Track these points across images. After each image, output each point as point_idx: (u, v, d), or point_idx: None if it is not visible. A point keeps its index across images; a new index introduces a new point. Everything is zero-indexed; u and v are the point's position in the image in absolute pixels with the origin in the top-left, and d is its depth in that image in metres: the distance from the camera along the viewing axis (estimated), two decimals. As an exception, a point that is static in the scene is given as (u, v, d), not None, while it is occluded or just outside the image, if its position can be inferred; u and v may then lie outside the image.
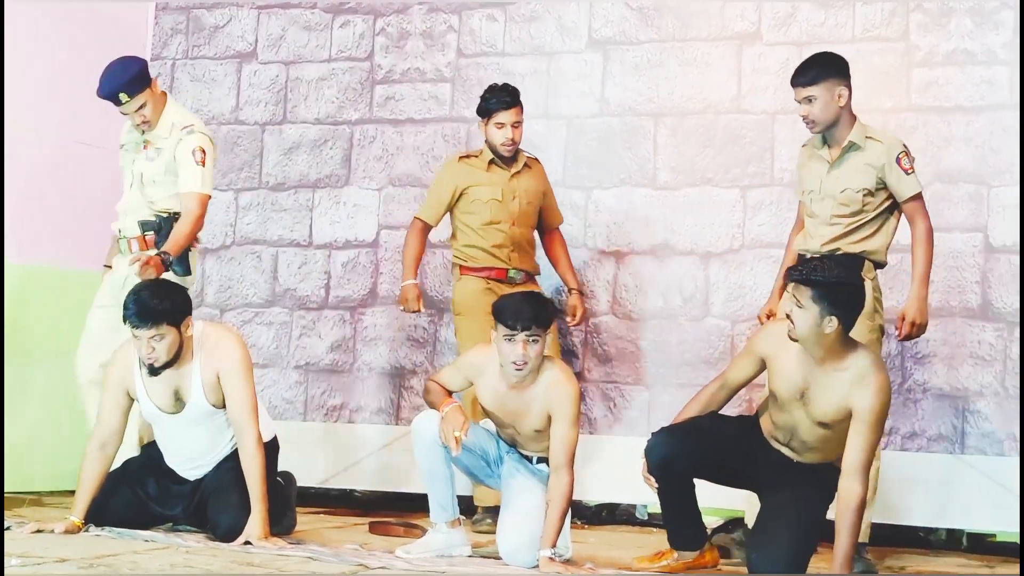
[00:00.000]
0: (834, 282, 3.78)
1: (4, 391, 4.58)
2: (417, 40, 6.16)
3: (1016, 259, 5.18)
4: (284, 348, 6.15)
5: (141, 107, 4.71)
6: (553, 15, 6.00)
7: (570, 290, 5.34)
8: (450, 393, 4.23)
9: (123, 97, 4.66)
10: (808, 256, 4.36)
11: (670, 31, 5.84)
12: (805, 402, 3.90)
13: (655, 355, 5.62)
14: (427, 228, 5.36)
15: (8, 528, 4.15)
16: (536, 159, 5.39)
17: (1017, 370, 5.10)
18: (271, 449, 4.37)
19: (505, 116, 5.15)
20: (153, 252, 4.66)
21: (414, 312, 5.29)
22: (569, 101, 5.80)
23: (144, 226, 4.75)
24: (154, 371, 4.13)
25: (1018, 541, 4.86)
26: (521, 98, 5.24)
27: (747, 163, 5.65)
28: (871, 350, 3.94)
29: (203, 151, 4.79)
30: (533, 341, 4.02)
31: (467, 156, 5.32)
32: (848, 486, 3.73)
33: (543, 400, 4.09)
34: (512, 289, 4.92)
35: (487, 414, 4.29)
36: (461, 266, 5.26)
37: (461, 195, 5.25)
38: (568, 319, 5.31)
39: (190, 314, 4.17)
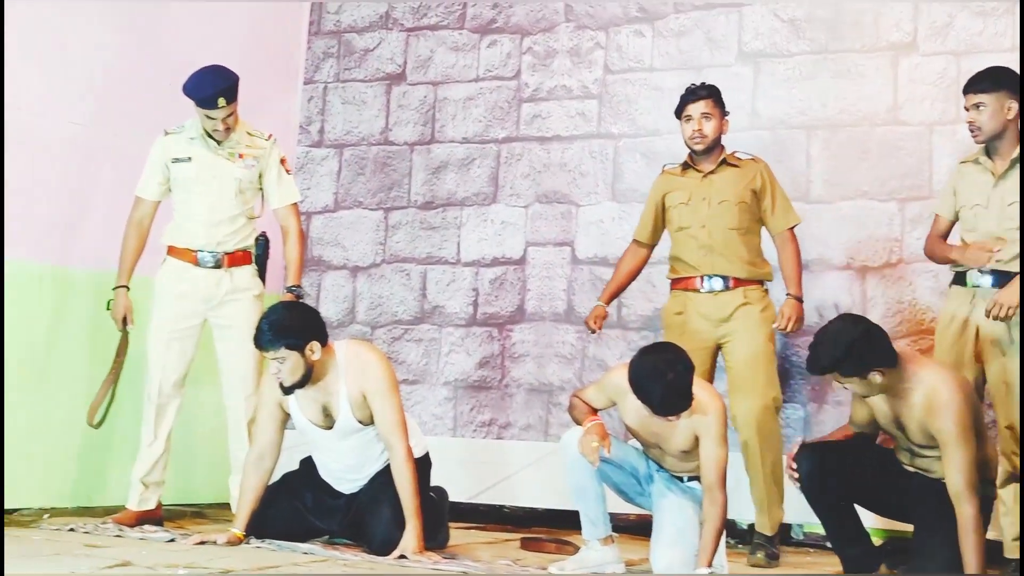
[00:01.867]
0: (853, 356, 3.85)
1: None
2: (564, 58, 6.15)
3: None
4: (433, 365, 6.15)
5: (229, 115, 4.73)
6: (702, 29, 5.93)
7: (787, 294, 4.87)
8: (595, 411, 4.18)
9: (221, 101, 4.66)
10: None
11: (822, 42, 5.73)
12: (903, 429, 3.95)
13: (809, 372, 5.53)
14: (641, 246, 5.12)
15: (172, 540, 4.24)
16: (755, 159, 4.98)
17: None
18: (424, 464, 4.38)
19: (692, 108, 4.90)
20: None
21: (591, 332, 5.06)
22: (719, 115, 5.74)
23: (248, 242, 4.84)
24: (284, 390, 4.17)
25: None
26: (722, 96, 4.96)
27: (904, 176, 5.50)
28: (922, 360, 4.00)
29: (286, 160, 4.94)
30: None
31: (671, 164, 5.11)
32: (959, 510, 3.77)
33: (688, 421, 4.02)
34: (708, 300, 4.83)
35: (632, 434, 4.25)
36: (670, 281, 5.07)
37: (665, 206, 5.04)
38: (776, 324, 4.85)
39: (317, 339, 4.15)
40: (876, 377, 3.89)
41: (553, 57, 6.19)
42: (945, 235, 4.74)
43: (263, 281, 4.96)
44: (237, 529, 4.22)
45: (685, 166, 5.01)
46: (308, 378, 4.15)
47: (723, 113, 4.96)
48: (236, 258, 4.85)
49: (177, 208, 4.88)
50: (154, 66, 5.45)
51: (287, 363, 4.09)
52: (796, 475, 4.02)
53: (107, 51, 5.32)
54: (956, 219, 4.67)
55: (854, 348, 3.85)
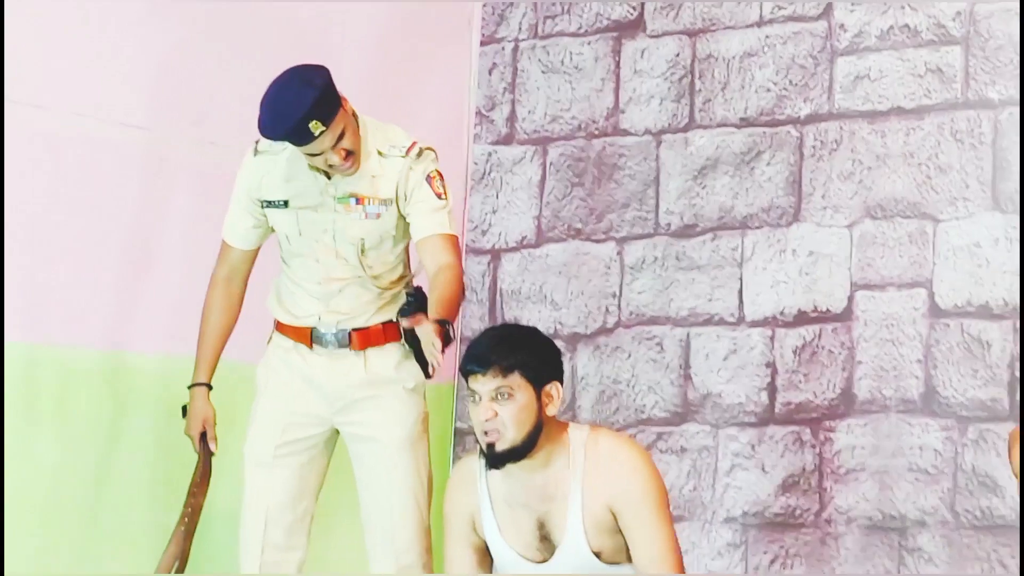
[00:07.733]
0: None
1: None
2: (903, -21, 5.18)
3: None
4: (706, 490, 5.48)
5: (341, 138, 4.20)
6: None
7: None
8: None
9: (315, 127, 4.14)
10: None
11: None
12: None
13: None
14: None
15: None
16: None
17: None
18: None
19: None
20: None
21: None
22: None
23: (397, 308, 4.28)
24: (495, 458, 3.76)
25: None
26: None
27: None
28: None
29: (442, 178, 4.48)
30: None
31: None
32: None
33: None
34: None
35: None
36: None
37: None
38: None
39: (559, 380, 3.87)
40: None
41: (886, -21, 5.28)
42: None
43: (426, 369, 4.29)
44: None
45: None
46: (532, 446, 3.76)
47: None
48: (372, 335, 4.35)
49: (283, 262, 4.42)
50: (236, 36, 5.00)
51: (514, 402, 3.73)
52: None
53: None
54: None
55: None
